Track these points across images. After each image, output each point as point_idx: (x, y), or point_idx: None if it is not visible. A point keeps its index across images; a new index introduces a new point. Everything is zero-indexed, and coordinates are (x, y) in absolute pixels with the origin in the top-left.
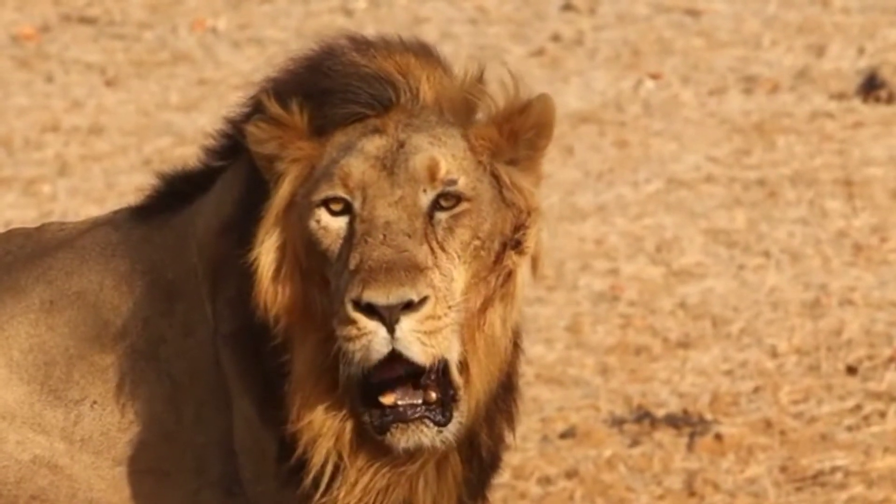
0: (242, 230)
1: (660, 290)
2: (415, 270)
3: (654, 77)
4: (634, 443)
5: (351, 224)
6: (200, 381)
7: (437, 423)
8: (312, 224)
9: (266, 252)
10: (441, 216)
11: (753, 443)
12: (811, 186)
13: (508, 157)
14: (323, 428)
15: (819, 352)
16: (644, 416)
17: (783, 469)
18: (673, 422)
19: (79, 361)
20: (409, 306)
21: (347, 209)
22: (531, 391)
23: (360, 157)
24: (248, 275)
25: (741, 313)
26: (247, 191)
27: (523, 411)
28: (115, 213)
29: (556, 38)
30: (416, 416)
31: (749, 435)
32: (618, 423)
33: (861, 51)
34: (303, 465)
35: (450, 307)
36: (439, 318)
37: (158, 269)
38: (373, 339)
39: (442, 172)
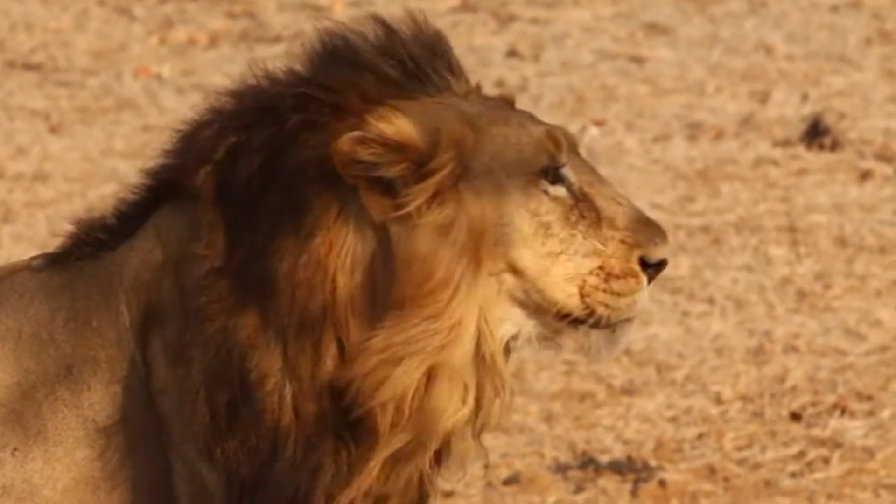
0: (189, 269)
1: None
2: None
3: (598, 124)
4: (579, 489)
5: (569, 189)
6: (128, 426)
7: None
8: (541, 196)
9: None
10: None
11: (697, 489)
12: (755, 233)
13: None
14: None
15: (763, 398)
16: (588, 463)
17: None
18: (617, 468)
19: None
20: None
21: (558, 177)
22: None
23: (544, 124)
24: (195, 314)
25: (685, 360)
26: (190, 232)
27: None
28: (33, 258)
29: (500, 84)
30: None
31: (693, 481)
32: (562, 469)
33: (805, 98)
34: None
35: None
36: None
37: (81, 316)
38: (643, 294)
39: None
